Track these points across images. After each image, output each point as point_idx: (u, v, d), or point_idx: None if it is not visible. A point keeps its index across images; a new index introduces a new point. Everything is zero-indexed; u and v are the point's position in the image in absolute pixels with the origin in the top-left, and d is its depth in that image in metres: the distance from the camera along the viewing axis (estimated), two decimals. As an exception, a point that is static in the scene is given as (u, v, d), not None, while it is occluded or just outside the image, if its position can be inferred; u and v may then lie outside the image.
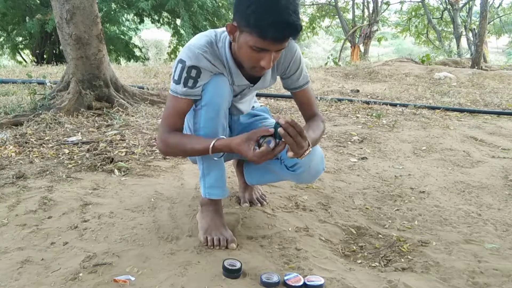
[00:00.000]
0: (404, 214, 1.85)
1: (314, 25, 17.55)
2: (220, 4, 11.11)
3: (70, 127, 2.95)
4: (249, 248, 1.46)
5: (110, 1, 9.98)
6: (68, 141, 2.64)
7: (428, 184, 2.20)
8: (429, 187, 2.16)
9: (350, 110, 3.98)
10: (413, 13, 16.91)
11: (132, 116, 3.29)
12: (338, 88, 5.33)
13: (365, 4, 15.13)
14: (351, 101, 4.41)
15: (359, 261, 1.49)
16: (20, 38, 11.23)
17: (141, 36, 13.76)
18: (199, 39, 1.38)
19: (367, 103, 4.35)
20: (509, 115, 3.97)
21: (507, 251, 1.55)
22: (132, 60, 11.94)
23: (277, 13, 1.17)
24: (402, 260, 1.49)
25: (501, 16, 16.02)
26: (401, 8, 17.66)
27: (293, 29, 1.19)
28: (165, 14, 11.41)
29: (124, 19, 10.81)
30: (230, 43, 1.36)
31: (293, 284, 1.24)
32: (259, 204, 1.80)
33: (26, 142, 2.60)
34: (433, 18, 15.56)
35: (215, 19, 11.11)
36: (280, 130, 1.23)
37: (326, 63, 9.35)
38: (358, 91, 5.14)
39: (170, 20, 11.63)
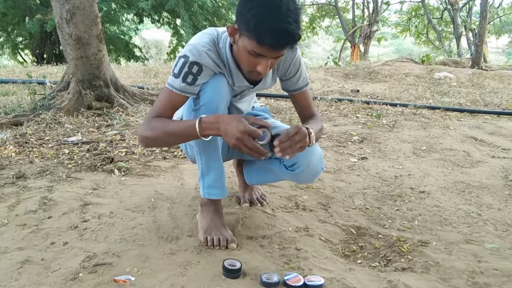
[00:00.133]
0: (404, 214, 1.86)
1: (314, 25, 17.55)
2: (220, 4, 11.11)
3: (70, 127, 2.95)
4: (249, 248, 1.46)
5: (110, 1, 9.99)
6: (68, 141, 2.64)
7: (428, 184, 2.20)
8: (429, 187, 2.16)
9: (350, 110, 3.98)
10: (413, 13, 16.91)
11: (132, 116, 3.29)
12: (338, 88, 5.33)
13: (365, 4, 15.15)
14: (351, 101, 4.41)
15: (359, 261, 1.49)
16: (20, 38, 11.23)
17: (142, 36, 13.76)
18: (202, 37, 1.37)
19: (367, 103, 4.35)
20: (509, 115, 3.97)
21: (507, 251, 1.55)
22: (132, 60, 11.94)
23: (276, 21, 1.16)
24: (402, 260, 1.49)
25: (501, 16, 16.02)
26: (401, 8, 17.68)
27: (290, 38, 1.19)
28: (165, 14, 11.40)
29: (124, 19, 10.81)
30: (231, 45, 1.36)
31: (293, 284, 1.24)
32: (259, 204, 1.80)
33: (26, 142, 2.60)
34: (433, 18, 15.56)
35: (215, 19, 11.10)
36: (275, 142, 1.22)
37: (326, 63, 9.34)
38: (358, 91, 5.14)
39: (170, 20, 11.62)
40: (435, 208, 1.92)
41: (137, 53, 12.32)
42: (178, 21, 11.17)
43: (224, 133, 1.25)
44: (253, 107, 1.73)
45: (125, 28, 11.65)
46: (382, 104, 4.31)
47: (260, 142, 1.25)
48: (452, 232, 1.69)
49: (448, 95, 5.03)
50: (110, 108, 3.41)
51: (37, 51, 10.93)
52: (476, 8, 13.46)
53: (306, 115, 1.58)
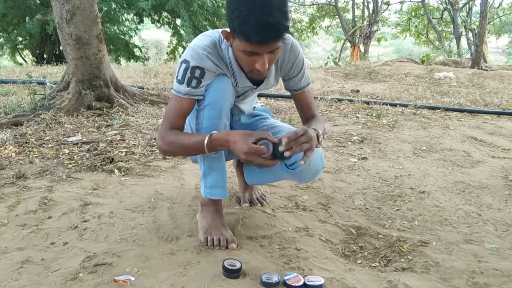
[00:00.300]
0: (404, 214, 1.85)
1: (314, 25, 17.55)
2: (220, 4, 11.11)
3: (70, 127, 2.95)
4: (249, 248, 1.46)
5: (110, 1, 9.99)
6: (68, 141, 2.64)
7: (428, 184, 2.20)
8: (429, 187, 2.16)
9: (350, 110, 3.98)
10: (413, 13, 16.91)
11: (132, 116, 3.29)
12: (338, 88, 5.33)
13: (365, 4, 15.14)
14: (351, 101, 4.41)
15: (359, 261, 1.49)
16: (20, 39, 11.23)
17: (141, 36, 13.77)
18: (203, 40, 1.37)
19: (367, 103, 4.35)
20: (509, 115, 3.96)
21: (507, 251, 1.55)
22: (132, 60, 11.94)
23: (258, 16, 1.16)
24: (402, 260, 1.49)
25: (501, 16, 16.02)
26: (401, 8, 17.68)
27: (275, 30, 1.18)
28: (165, 14, 11.41)
29: (124, 19, 10.81)
30: None
31: (293, 284, 1.24)
32: (259, 204, 1.80)
33: (26, 142, 2.60)
34: (433, 18, 15.56)
35: (215, 19, 11.11)
36: (281, 148, 1.23)
37: (326, 63, 9.34)
38: (358, 91, 5.14)
39: (170, 20, 11.63)
40: (435, 208, 1.92)
41: (137, 53, 12.32)
42: (178, 21, 11.18)
43: (232, 151, 1.32)
44: (254, 107, 1.73)
45: (125, 28, 11.66)
46: (382, 104, 4.31)
47: (264, 156, 1.27)
48: (452, 232, 1.69)
49: (448, 95, 5.03)
50: (110, 108, 3.41)
51: (37, 51, 10.93)
52: (476, 8, 13.47)
53: (307, 115, 1.58)
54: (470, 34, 12.06)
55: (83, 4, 3.25)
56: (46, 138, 2.71)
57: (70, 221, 1.62)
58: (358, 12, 16.18)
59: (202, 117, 1.40)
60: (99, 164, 2.22)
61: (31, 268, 1.31)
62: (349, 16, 16.18)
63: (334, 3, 15.78)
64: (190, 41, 1.43)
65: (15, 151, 2.44)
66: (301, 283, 1.24)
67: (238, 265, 1.28)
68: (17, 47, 11.55)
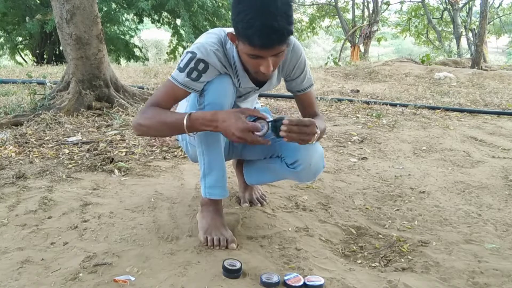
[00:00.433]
0: (404, 214, 1.85)
1: (314, 25, 17.56)
2: (220, 4, 11.11)
3: (70, 127, 2.95)
4: (249, 248, 1.46)
5: (110, 1, 9.99)
6: (68, 141, 2.64)
7: (428, 184, 2.20)
8: (429, 187, 2.16)
9: (350, 110, 3.98)
10: (413, 13, 16.91)
11: (132, 116, 3.29)
12: (338, 88, 5.33)
13: (365, 4, 15.15)
14: (351, 101, 4.41)
15: (359, 261, 1.49)
16: (20, 39, 11.23)
17: (141, 37, 13.76)
18: (211, 37, 1.37)
19: (367, 103, 4.35)
20: (509, 115, 3.96)
21: (507, 251, 1.55)
22: (132, 60, 11.94)
23: (262, 20, 1.16)
24: (402, 260, 1.49)
25: (501, 16, 16.02)
26: (401, 8, 17.68)
27: (279, 35, 1.18)
28: (165, 14, 11.41)
29: (124, 19, 10.81)
30: None
31: (293, 284, 1.24)
32: (259, 204, 1.80)
33: (26, 142, 2.60)
34: (433, 18, 15.56)
35: (215, 19, 11.11)
36: (282, 127, 1.23)
37: (326, 63, 9.34)
38: (358, 91, 5.14)
39: (170, 20, 11.63)
40: (435, 208, 1.92)
41: (137, 53, 12.33)
42: (178, 21, 11.18)
43: (223, 131, 1.28)
44: (254, 107, 1.73)
45: (125, 28, 11.65)
46: (382, 104, 4.31)
47: (259, 134, 1.27)
48: (452, 232, 1.69)
49: (448, 95, 5.03)
50: (110, 108, 3.41)
51: (37, 51, 10.93)
52: (476, 8, 13.47)
53: (309, 115, 1.58)
54: (470, 34, 12.06)
55: (83, 4, 3.25)
56: (46, 138, 2.71)
57: (70, 221, 1.62)
58: (358, 12, 16.20)
59: None
60: (99, 164, 2.22)
61: (31, 268, 1.31)
62: (349, 16, 16.18)
63: (334, 3, 15.78)
64: (190, 41, 1.43)
65: (15, 151, 2.44)
66: (301, 283, 1.24)
67: (238, 265, 1.28)
68: (17, 47, 11.55)
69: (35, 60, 10.73)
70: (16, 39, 11.03)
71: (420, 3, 15.81)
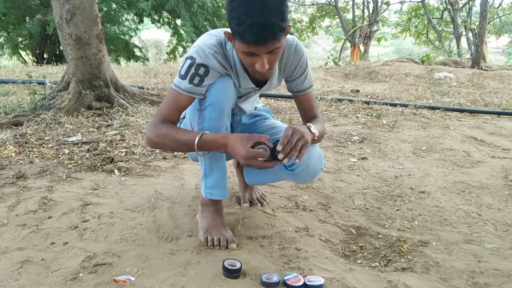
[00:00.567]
0: (404, 214, 1.85)
1: (314, 25, 17.55)
2: (220, 4, 11.11)
3: (70, 127, 2.95)
4: (249, 248, 1.46)
5: (110, 1, 9.99)
6: (68, 141, 2.64)
7: (428, 184, 2.20)
8: (429, 187, 2.16)
9: (350, 110, 3.98)
10: (413, 13, 16.91)
11: (132, 116, 3.29)
12: (338, 88, 5.33)
13: (365, 4, 15.14)
14: (351, 101, 4.41)
15: (359, 261, 1.49)
16: (20, 39, 11.23)
17: (141, 37, 13.76)
18: (209, 39, 1.37)
19: (367, 103, 4.35)
20: (509, 115, 3.96)
21: (507, 251, 1.55)
22: (132, 60, 11.94)
23: (253, 16, 1.15)
24: (402, 260, 1.49)
25: (501, 16, 16.02)
26: (401, 8, 17.69)
27: (270, 30, 1.17)
28: (165, 14, 11.41)
29: (124, 19, 10.81)
30: None
31: (293, 284, 1.24)
32: (259, 204, 1.80)
33: (26, 142, 2.60)
34: (433, 18, 15.56)
35: (215, 19, 11.11)
36: (279, 156, 1.24)
37: (326, 63, 9.34)
38: (358, 91, 5.14)
39: (170, 20, 11.63)
40: (435, 208, 1.92)
41: (137, 53, 12.33)
42: (178, 21, 11.18)
43: (231, 153, 1.31)
44: (255, 107, 1.73)
45: (125, 28, 11.65)
46: (382, 104, 4.31)
47: (262, 160, 1.27)
48: (452, 232, 1.69)
49: (448, 95, 5.03)
50: (110, 108, 3.41)
51: (37, 51, 10.93)
52: (476, 8, 13.47)
53: (309, 116, 1.57)
54: (470, 34, 12.06)
55: (83, 4, 3.25)
56: (46, 138, 2.71)
57: (70, 221, 1.62)
58: (358, 12, 16.20)
59: (203, 117, 1.39)
60: (99, 164, 2.22)
61: (31, 268, 1.31)
62: (349, 16, 16.18)
63: (334, 3, 15.78)
64: (190, 41, 1.43)
65: (15, 151, 2.44)
66: (301, 283, 1.24)
67: (238, 265, 1.28)
68: (17, 47, 11.55)
69: (35, 60, 10.73)
70: (16, 39, 11.03)
71: (420, 3, 15.81)
